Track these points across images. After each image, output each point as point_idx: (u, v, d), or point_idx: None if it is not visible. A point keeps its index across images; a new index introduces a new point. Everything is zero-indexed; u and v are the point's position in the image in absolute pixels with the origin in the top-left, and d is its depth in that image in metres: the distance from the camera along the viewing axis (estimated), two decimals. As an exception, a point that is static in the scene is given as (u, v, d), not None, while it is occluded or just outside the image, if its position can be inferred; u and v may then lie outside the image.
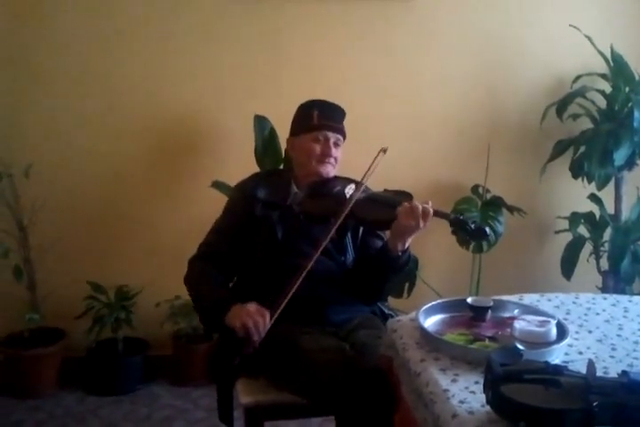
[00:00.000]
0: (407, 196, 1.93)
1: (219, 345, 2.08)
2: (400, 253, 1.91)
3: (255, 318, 1.79)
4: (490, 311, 1.64)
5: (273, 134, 2.72)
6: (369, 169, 1.98)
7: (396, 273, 1.96)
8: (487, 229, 1.91)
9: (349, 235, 2.07)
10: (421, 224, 1.82)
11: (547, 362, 1.27)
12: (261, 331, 1.79)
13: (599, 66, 2.93)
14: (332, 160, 2.05)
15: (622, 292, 2.81)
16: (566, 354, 1.47)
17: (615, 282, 2.95)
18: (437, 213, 1.85)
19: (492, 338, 1.53)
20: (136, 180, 2.93)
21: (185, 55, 2.85)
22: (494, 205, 2.98)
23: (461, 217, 1.89)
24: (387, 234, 1.99)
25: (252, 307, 1.84)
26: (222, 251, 2.02)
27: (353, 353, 1.84)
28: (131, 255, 2.96)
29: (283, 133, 2.35)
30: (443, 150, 3.08)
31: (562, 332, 1.50)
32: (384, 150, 2.01)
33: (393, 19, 2.94)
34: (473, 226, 1.84)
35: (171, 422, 2.67)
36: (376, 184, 2.07)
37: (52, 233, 2.81)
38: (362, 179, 1.98)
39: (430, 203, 1.85)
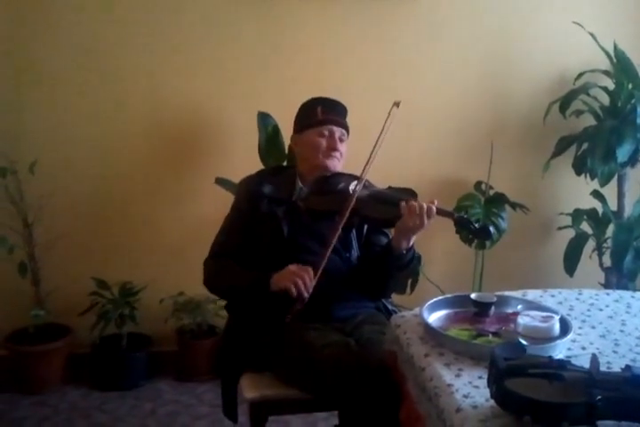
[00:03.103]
0: (412, 194, 1.94)
1: (224, 340, 2.09)
2: (404, 252, 1.91)
3: (301, 275, 1.84)
4: (493, 307, 1.64)
5: (276, 131, 2.73)
6: (384, 124, 1.99)
7: (400, 271, 1.97)
8: (491, 229, 1.91)
9: (354, 232, 2.08)
10: (425, 223, 1.83)
11: (550, 357, 1.28)
12: (309, 286, 1.84)
13: (602, 63, 2.93)
14: (337, 154, 2.06)
15: (625, 288, 2.82)
16: (569, 349, 1.48)
17: (618, 278, 2.96)
18: (442, 212, 1.86)
19: (495, 333, 1.54)
20: (140, 176, 2.93)
21: (189, 52, 2.85)
22: (497, 202, 2.98)
23: (465, 216, 1.90)
24: (391, 232, 2.00)
25: (293, 267, 1.87)
26: (234, 249, 2.03)
27: (358, 348, 1.85)
28: (135, 252, 2.97)
29: (286, 130, 2.35)
30: (446, 147, 3.09)
31: (565, 327, 1.51)
32: (397, 104, 2.04)
33: (396, 17, 2.94)
34: (477, 225, 1.86)
35: (175, 418, 2.68)
36: (380, 181, 2.08)
37: (56, 229, 2.82)
38: (364, 169, 1.98)
39: (436, 202, 1.86)
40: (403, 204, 1.85)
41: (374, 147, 1.99)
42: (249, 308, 2.00)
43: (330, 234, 1.89)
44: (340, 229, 1.91)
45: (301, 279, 1.83)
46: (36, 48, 2.79)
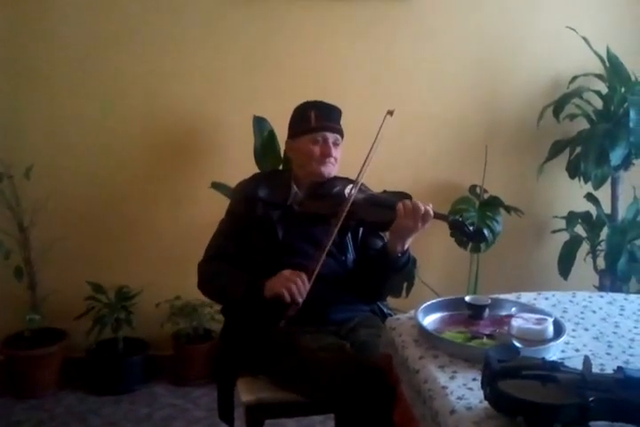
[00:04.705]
0: (406, 197, 1.95)
1: (220, 344, 2.10)
2: (400, 255, 1.92)
3: (295, 280, 1.84)
4: (487, 310, 1.65)
5: (272, 135, 2.73)
6: (378, 133, 2.00)
7: (396, 273, 1.98)
8: (485, 232, 1.93)
9: (350, 235, 2.09)
10: (420, 225, 1.84)
11: (544, 359, 1.29)
12: (303, 291, 1.84)
13: (595, 67, 2.95)
14: (332, 160, 2.06)
15: (619, 291, 2.83)
16: (563, 351, 1.49)
17: (612, 281, 2.97)
18: (437, 215, 1.87)
19: (489, 336, 1.54)
20: (136, 181, 2.94)
21: (184, 56, 2.87)
22: (492, 205, 2.99)
23: (460, 219, 1.91)
24: (387, 235, 2.01)
25: (286, 272, 1.88)
26: (228, 253, 2.04)
27: (353, 352, 1.86)
28: (131, 256, 2.98)
29: (282, 135, 2.36)
30: (440, 151, 3.10)
31: (559, 330, 1.52)
32: (390, 113, 2.04)
33: (391, 20, 2.95)
34: (471, 228, 1.87)
35: (171, 422, 2.68)
36: (375, 185, 2.09)
37: (52, 234, 2.82)
38: (358, 175, 1.99)
39: (431, 205, 1.87)
40: (398, 205, 1.86)
41: (368, 153, 1.99)
42: (244, 312, 2.00)
43: (325, 238, 1.90)
44: (336, 233, 1.92)
45: (295, 285, 1.83)
46: (33, 53, 2.80)
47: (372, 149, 2.00)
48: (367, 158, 2.00)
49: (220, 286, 2.02)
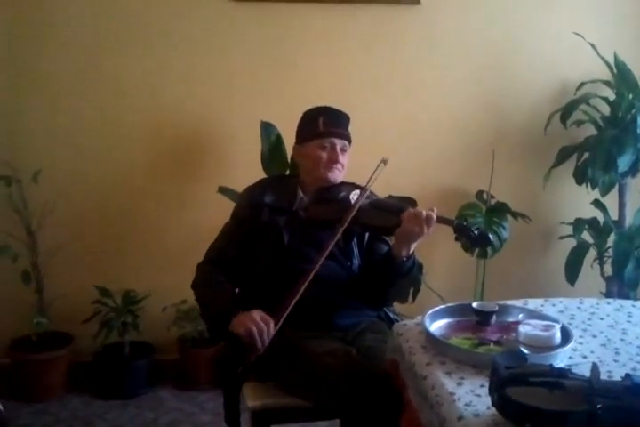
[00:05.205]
0: (411, 202, 1.95)
1: (226, 349, 2.10)
2: (405, 259, 1.92)
3: (259, 326, 1.81)
4: (495, 316, 1.65)
5: (279, 140, 2.74)
6: (370, 179, 2.00)
7: (401, 278, 1.97)
8: (490, 236, 1.92)
9: (355, 240, 2.09)
10: (425, 230, 1.84)
11: (551, 365, 1.28)
12: (265, 339, 1.81)
13: (603, 73, 2.94)
14: (339, 166, 2.07)
15: (626, 297, 2.82)
16: (570, 358, 1.49)
17: (619, 287, 2.96)
18: (441, 220, 1.87)
19: (496, 342, 1.54)
20: (143, 185, 2.95)
21: (191, 61, 2.87)
22: (499, 211, 2.99)
23: (465, 223, 1.91)
24: (392, 240, 2.01)
25: (256, 314, 1.85)
26: (230, 256, 2.04)
27: (359, 357, 1.86)
28: (138, 260, 2.98)
29: (289, 139, 2.37)
30: (447, 156, 3.10)
31: (566, 336, 1.52)
32: (384, 161, 2.02)
33: (398, 25, 2.96)
34: (476, 232, 1.86)
35: (177, 426, 2.68)
36: (381, 190, 2.09)
37: (59, 238, 2.83)
38: (366, 184, 2.00)
39: (435, 210, 1.87)
40: (402, 211, 1.86)
41: (362, 192, 1.99)
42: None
43: (328, 242, 1.90)
44: (340, 238, 1.92)
45: (258, 331, 1.80)
46: (36, 57, 2.81)
47: (365, 188, 1.99)
48: (364, 191, 2.00)
49: (203, 298, 2.03)
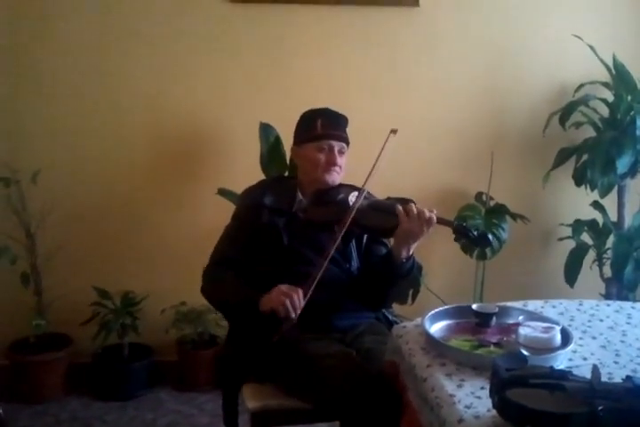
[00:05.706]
0: (409, 203, 1.95)
1: (225, 350, 2.10)
2: (404, 260, 1.92)
3: (290, 295, 1.82)
4: (495, 318, 1.65)
5: (278, 142, 2.74)
6: (381, 152, 2.00)
7: (401, 279, 1.97)
8: (490, 236, 1.92)
9: (354, 242, 2.09)
10: (424, 230, 1.84)
11: (551, 367, 1.28)
12: (298, 307, 1.82)
13: (602, 75, 2.95)
14: (337, 168, 2.07)
15: (625, 299, 2.82)
16: (570, 360, 1.49)
17: (618, 289, 2.96)
18: (440, 221, 1.87)
19: (496, 344, 1.55)
20: (142, 186, 2.95)
21: (190, 62, 2.87)
22: (498, 213, 2.99)
23: (464, 224, 1.91)
24: (391, 241, 2.01)
25: (283, 287, 1.86)
26: (234, 258, 2.04)
27: (359, 359, 1.86)
28: (137, 261, 2.98)
29: (288, 141, 2.37)
30: (446, 158, 3.10)
31: (566, 338, 1.52)
32: (394, 131, 2.04)
33: (397, 26, 2.96)
34: (476, 233, 1.86)
35: (176, 428, 2.69)
36: (380, 192, 2.09)
37: (58, 239, 2.83)
38: (363, 185, 2.00)
39: (435, 211, 1.87)
40: (398, 208, 1.86)
41: (374, 165, 1.99)
42: (243, 321, 2.01)
43: (328, 244, 1.90)
44: (340, 240, 1.92)
45: (289, 300, 1.82)
46: (36, 57, 2.81)
47: (375, 165, 2.00)
48: (372, 168, 2.00)
49: (220, 295, 2.03)
